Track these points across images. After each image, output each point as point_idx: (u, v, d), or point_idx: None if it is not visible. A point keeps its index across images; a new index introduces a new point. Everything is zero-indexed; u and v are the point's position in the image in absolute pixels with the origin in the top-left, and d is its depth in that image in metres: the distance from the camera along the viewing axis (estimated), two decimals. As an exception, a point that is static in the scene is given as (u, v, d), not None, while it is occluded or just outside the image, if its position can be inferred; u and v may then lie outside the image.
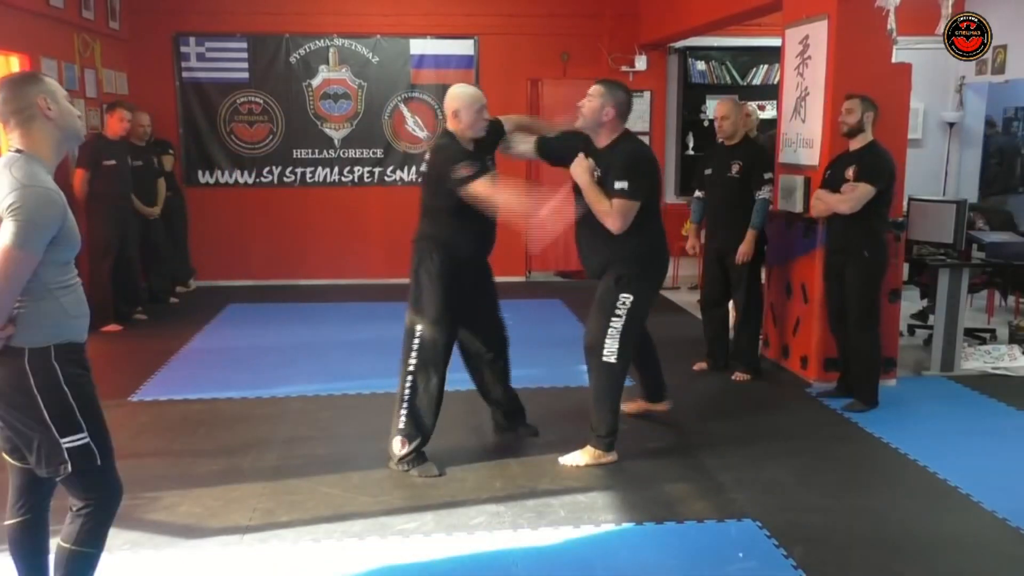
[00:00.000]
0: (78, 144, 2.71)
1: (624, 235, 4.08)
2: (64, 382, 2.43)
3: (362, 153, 8.92)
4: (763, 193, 5.44)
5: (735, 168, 5.51)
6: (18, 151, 2.45)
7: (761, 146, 5.83)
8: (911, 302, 6.91)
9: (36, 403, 2.40)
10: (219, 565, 3.28)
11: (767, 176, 5.47)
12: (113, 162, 6.77)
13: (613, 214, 4.05)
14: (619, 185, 4.02)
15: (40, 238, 2.34)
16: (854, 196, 4.80)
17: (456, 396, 5.21)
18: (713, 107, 6.38)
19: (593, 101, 4.10)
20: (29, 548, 2.65)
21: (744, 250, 5.45)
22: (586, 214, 4.13)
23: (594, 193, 4.08)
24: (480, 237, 4.25)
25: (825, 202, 4.98)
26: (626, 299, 4.11)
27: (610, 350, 4.12)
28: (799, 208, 5.54)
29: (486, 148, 4.21)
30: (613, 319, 4.12)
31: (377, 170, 8.96)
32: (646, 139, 9.09)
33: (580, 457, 4.22)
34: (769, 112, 8.56)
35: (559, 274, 9.36)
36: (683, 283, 8.91)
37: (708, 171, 5.72)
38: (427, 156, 4.21)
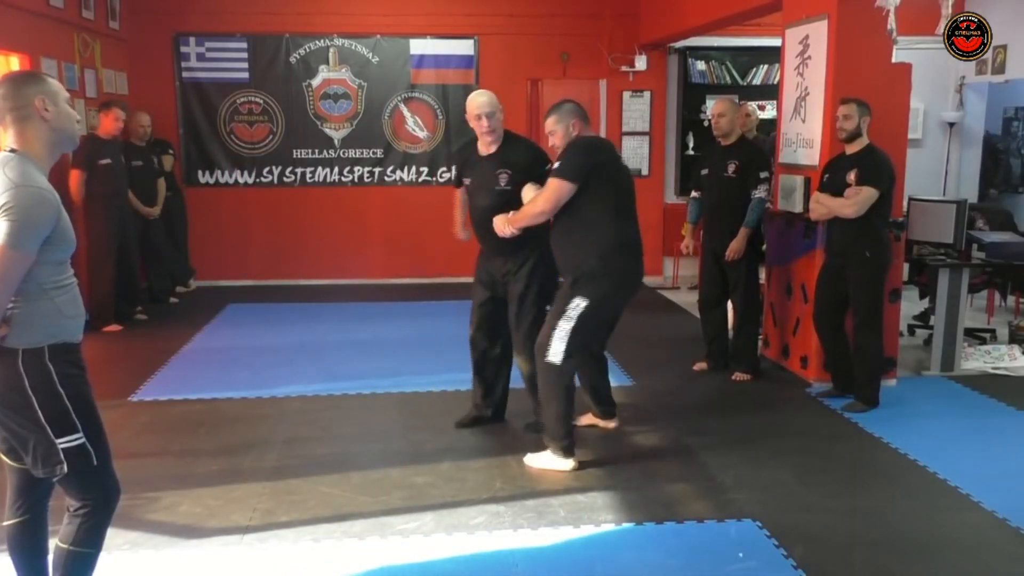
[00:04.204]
0: (73, 148, 2.68)
1: (583, 232, 4.05)
2: (59, 383, 2.42)
3: (362, 153, 8.92)
4: (759, 192, 5.44)
5: (731, 168, 5.51)
6: (12, 151, 2.44)
7: (757, 146, 5.83)
8: (912, 303, 6.91)
9: (31, 404, 2.39)
10: (219, 565, 3.28)
11: (763, 175, 5.47)
12: (108, 161, 6.77)
13: (542, 196, 4.07)
14: (553, 166, 4.09)
15: (34, 238, 2.34)
16: (859, 200, 4.80)
17: (456, 396, 5.23)
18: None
19: (558, 131, 4.18)
20: (28, 548, 2.64)
21: (735, 247, 5.44)
22: (557, 220, 4.15)
23: (528, 205, 4.17)
24: (482, 238, 4.51)
25: (827, 206, 4.97)
26: (579, 303, 4.03)
27: (555, 351, 4.04)
28: (799, 208, 5.54)
29: (507, 163, 4.36)
30: (562, 320, 4.04)
31: (377, 170, 8.95)
32: (646, 139, 9.13)
33: (539, 459, 4.20)
34: (769, 112, 8.56)
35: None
36: (683, 283, 8.92)
37: (705, 171, 5.73)
38: None
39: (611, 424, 4.74)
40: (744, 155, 5.53)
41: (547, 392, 4.15)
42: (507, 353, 4.65)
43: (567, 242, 4.13)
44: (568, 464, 4.16)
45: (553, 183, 4.03)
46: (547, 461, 4.18)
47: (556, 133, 4.19)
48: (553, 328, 4.07)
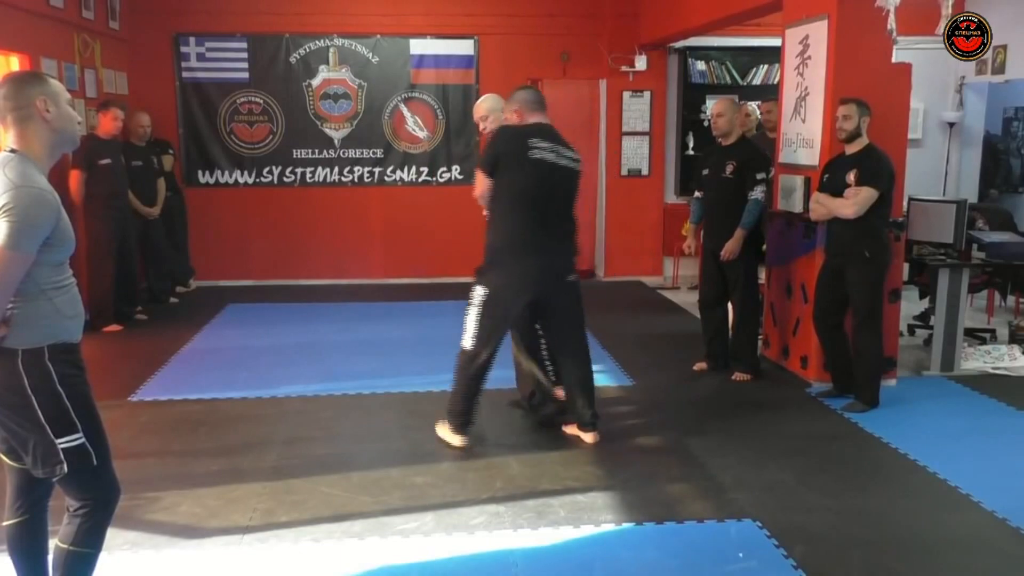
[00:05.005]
0: (73, 149, 2.69)
1: (490, 225, 4.30)
2: (58, 383, 2.42)
3: (362, 153, 8.92)
4: (755, 194, 5.43)
5: (729, 168, 5.51)
6: (12, 151, 2.45)
7: (756, 146, 5.83)
8: (912, 303, 6.91)
9: (31, 404, 2.40)
10: (219, 565, 3.28)
11: (759, 176, 5.46)
12: (108, 161, 6.77)
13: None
14: None
15: (33, 239, 2.34)
16: (858, 200, 4.80)
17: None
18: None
19: (506, 118, 4.50)
20: (28, 548, 2.64)
21: (730, 247, 5.44)
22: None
23: None
24: None
25: (827, 206, 4.97)
26: (479, 291, 4.30)
27: (467, 336, 4.34)
28: (799, 208, 5.54)
29: None
30: (471, 307, 4.33)
31: (377, 170, 8.95)
32: (646, 139, 9.12)
33: (440, 429, 4.50)
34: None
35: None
36: (683, 283, 8.92)
37: (705, 171, 5.73)
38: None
39: (589, 437, 4.49)
40: (743, 155, 5.52)
41: (456, 371, 4.43)
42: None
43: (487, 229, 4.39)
44: (456, 440, 4.42)
45: (477, 170, 4.35)
46: (443, 432, 4.48)
47: (509, 120, 4.46)
48: (466, 314, 4.35)
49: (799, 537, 3.47)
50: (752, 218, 5.44)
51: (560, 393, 4.65)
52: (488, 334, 4.31)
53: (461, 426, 4.43)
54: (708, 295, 5.81)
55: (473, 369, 4.37)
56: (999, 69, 7.82)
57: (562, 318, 4.48)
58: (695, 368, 5.83)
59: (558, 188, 4.29)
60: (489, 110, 4.73)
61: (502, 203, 4.25)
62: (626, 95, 9.09)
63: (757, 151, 5.70)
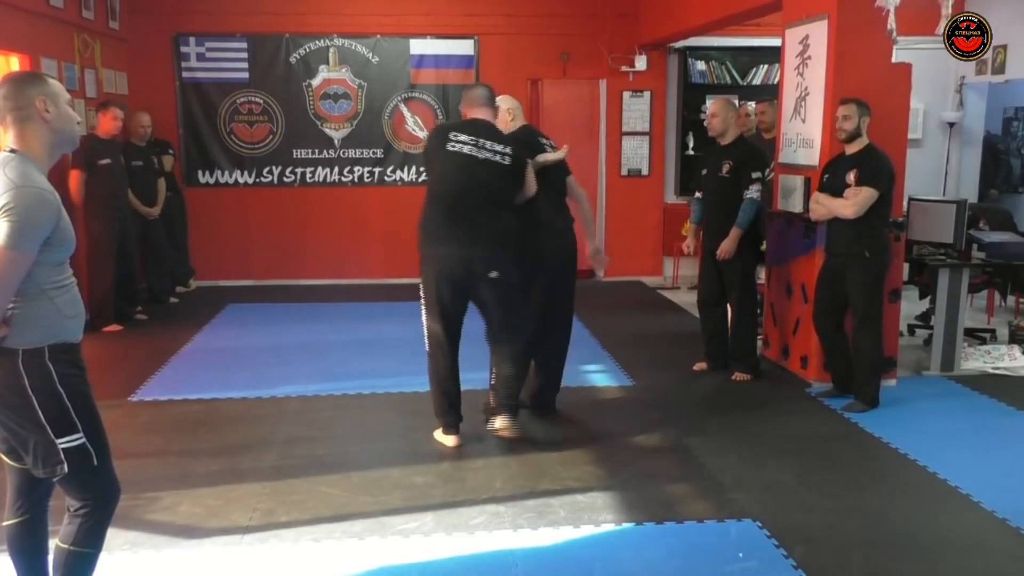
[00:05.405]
0: (73, 149, 2.69)
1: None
2: (59, 383, 2.42)
3: (362, 153, 8.92)
4: (751, 193, 5.43)
5: (726, 168, 5.51)
6: (12, 151, 2.44)
7: (753, 146, 5.82)
8: (912, 303, 6.91)
9: (31, 404, 2.40)
10: (219, 565, 3.28)
11: (755, 176, 5.45)
12: (108, 161, 6.77)
13: None
14: None
15: (34, 239, 2.34)
16: (858, 201, 4.80)
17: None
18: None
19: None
20: (28, 548, 2.64)
21: (725, 247, 5.44)
22: None
23: None
24: None
25: (827, 207, 4.97)
26: (421, 284, 4.34)
27: (423, 333, 4.39)
28: (799, 208, 5.54)
29: None
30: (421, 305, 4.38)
31: (377, 170, 8.95)
32: (646, 139, 9.12)
33: (435, 434, 4.49)
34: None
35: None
36: (683, 283, 8.91)
37: (704, 171, 5.74)
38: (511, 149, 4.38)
39: (496, 422, 4.39)
40: (740, 155, 5.52)
41: (428, 373, 4.45)
42: (558, 339, 4.79)
43: None
44: (448, 440, 4.41)
45: None
46: (437, 435, 4.49)
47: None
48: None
49: (799, 537, 3.47)
50: (747, 217, 5.44)
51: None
52: (434, 328, 4.32)
53: (448, 425, 4.42)
54: (707, 295, 5.81)
55: (435, 365, 4.38)
56: (999, 69, 7.83)
57: (487, 314, 4.42)
58: (695, 368, 5.83)
59: (478, 182, 4.21)
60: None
61: (427, 196, 4.34)
62: (626, 95, 9.09)
63: (755, 151, 5.70)
